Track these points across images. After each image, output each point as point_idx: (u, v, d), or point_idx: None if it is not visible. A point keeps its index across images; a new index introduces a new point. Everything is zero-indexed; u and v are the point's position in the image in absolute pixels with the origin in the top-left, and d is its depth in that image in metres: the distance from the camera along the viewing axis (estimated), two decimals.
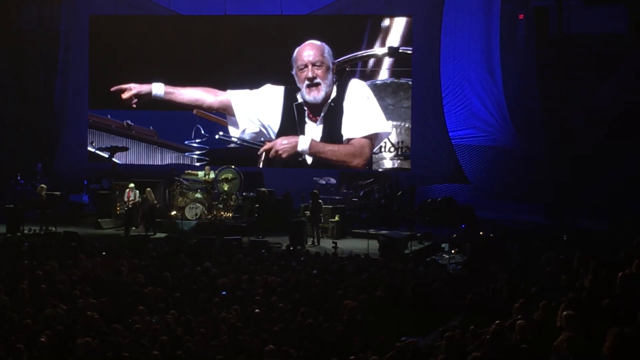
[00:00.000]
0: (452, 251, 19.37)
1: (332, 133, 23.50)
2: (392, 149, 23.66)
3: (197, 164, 24.84)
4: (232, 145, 22.60)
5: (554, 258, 14.22)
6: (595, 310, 9.17)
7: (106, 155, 25.31)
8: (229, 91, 25.20)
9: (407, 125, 22.79)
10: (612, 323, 8.22)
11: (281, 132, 24.53)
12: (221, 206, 23.02)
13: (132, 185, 22.69)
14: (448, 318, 12.35)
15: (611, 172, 23.79)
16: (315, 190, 21.81)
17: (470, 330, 10.55)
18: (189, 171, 24.13)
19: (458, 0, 25.05)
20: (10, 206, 22.20)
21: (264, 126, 24.91)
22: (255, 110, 25.01)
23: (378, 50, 23.76)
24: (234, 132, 24.76)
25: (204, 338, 11.16)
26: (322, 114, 23.79)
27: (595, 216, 21.80)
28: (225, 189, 23.18)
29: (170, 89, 25.16)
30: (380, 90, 23.43)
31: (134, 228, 22.23)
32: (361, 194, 24.26)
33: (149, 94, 24.42)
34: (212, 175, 23.40)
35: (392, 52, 23.37)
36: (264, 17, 26.22)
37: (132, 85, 24.77)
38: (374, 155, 23.96)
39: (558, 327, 8.87)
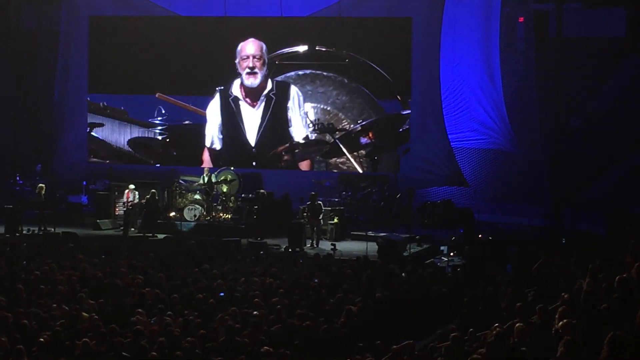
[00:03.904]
0: (451, 254, 19.38)
1: (276, 127, 25.59)
2: (311, 125, 25.57)
3: (159, 137, 26.63)
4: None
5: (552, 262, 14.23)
6: (593, 313, 9.19)
7: (87, 130, 27.53)
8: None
9: (322, 107, 25.45)
10: (610, 326, 8.23)
11: (223, 125, 26.01)
12: (220, 207, 23.02)
13: (132, 186, 22.72)
14: (446, 320, 12.36)
15: (610, 175, 23.77)
16: (313, 192, 21.82)
17: (469, 332, 10.57)
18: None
19: (457, 3, 25.03)
20: (9, 206, 22.19)
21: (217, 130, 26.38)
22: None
23: (300, 47, 25.58)
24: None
25: (201, 339, 11.16)
26: (260, 101, 25.54)
27: (594, 219, 21.78)
28: (224, 190, 23.17)
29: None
30: (301, 79, 25.68)
31: (132, 229, 22.22)
32: (360, 196, 24.26)
33: None
34: (213, 178, 23.34)
35: (311, 49, 25.53)
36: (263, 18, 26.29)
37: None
38: (290, 130, 25.68)
39: (555, 330, 8.88)
